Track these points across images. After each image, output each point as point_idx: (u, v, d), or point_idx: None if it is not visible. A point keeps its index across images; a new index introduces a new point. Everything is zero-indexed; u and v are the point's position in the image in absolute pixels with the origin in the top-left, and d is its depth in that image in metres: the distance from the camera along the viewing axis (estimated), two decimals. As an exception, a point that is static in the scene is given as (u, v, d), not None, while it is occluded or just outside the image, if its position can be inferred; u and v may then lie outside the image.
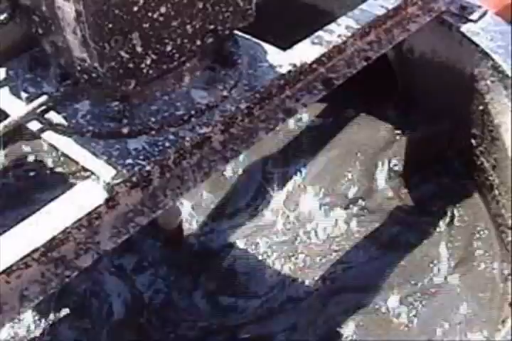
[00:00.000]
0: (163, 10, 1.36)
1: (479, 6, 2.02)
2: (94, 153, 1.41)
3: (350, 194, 2.21)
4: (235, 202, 2.21)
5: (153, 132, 1.45)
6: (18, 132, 1.53)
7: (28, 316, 1.91)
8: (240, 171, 2.29)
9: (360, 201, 2.19)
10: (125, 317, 1.92)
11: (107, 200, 1.35)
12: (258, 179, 2.27)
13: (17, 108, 1.47)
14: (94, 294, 1.97)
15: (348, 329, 1.87)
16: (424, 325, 1.87)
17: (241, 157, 2.24)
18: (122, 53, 1.35)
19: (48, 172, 2.32)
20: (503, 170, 1.93)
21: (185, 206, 2.17)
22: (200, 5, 1.43)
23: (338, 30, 1.74)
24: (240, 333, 1.88)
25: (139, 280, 2.01)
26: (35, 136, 1.50)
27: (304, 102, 1.66)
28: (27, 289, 1.30)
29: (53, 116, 1.46)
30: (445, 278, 1.97)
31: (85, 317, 1.92)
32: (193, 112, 1.48)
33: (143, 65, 1.39)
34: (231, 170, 2.28)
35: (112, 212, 1.38)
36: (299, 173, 2.28)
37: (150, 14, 1.35)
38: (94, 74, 1.38)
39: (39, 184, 2.25)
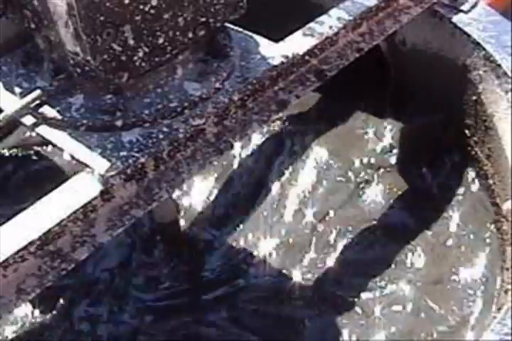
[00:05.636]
0: (154, 2, 1.37)
1: (470, -3, 2.03)
2: (88, 146, 1.41)
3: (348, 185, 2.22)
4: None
5: (146, 124, 1.45)
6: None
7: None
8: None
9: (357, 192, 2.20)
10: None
11: (102, 193, 1.36)
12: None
13: (11, 103, 1.47)
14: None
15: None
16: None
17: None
18: (115, 46, 1.35)
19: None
20: (497, 160, 1.94)
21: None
22: (192, -3, 1.44)
23: (330, 22, 1.74)
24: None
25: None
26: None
27: (297, 94, 1.67)
28: (24, 282, 1.31)
29: (47, 111, 1.46)
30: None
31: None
32: (186, 104, 1.48)
33: (135, 58, 1.40)
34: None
35: (107, 204, 1.38)
36: (292, 166, 2.29)
37: (141, 7, 1.35)
38: (87, 68, 1.38)
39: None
